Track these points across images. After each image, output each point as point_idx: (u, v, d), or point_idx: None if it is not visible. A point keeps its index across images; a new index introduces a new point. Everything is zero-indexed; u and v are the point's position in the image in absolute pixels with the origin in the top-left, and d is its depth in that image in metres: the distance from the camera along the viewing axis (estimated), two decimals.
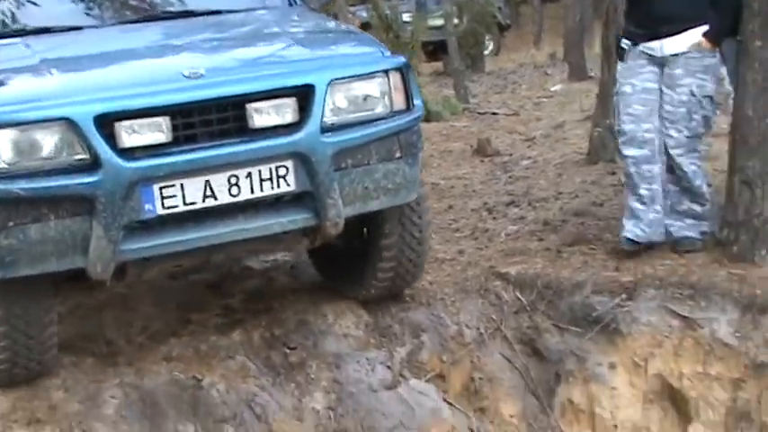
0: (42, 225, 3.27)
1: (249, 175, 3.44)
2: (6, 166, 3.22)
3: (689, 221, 4.69)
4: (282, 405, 3.93)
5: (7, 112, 3.24)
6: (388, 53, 3.84)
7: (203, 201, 3.40)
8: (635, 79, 4.68)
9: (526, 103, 10.72)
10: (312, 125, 3.49)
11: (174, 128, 3.35)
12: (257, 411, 3.85)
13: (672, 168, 4.68)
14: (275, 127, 3.49)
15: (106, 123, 3.26)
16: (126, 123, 3.29)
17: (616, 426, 4.34)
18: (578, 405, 4.39)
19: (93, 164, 3.25)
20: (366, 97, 3.67)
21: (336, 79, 3.57)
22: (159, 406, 3.78)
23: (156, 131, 3.33)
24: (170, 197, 3.36)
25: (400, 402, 4.05)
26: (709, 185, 4.76)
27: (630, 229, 4.70)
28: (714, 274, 4.42)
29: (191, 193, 3.38)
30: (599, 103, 6.84)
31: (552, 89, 11.55)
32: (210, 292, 4.65)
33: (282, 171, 3.49)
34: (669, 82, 4.61)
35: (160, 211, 3.36)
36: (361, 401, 4.01)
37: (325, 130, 3.53)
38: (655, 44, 4.61)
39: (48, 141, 3.25)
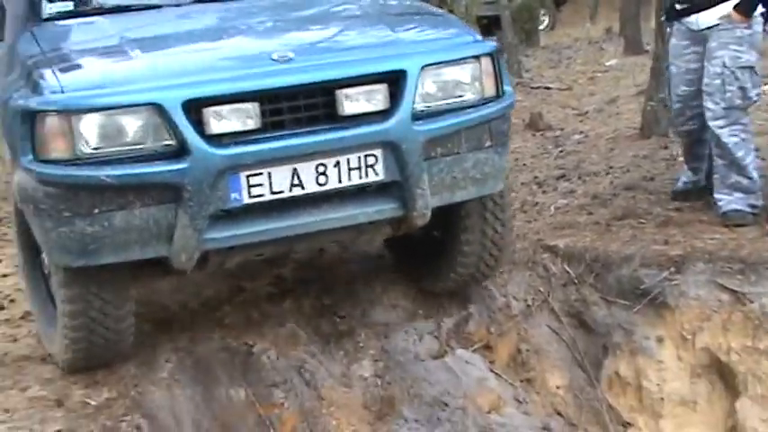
0: (127, 213, 3.19)
1: (337, 163, 3.33)
2: (91, 151, 3.14)
3: (737, 195, 4.69)
4: (331, 372, 4.01)
5: (93, 97, 3.17)
6: (479, 37, 3.70)
7: (290, 190, 3.31)
8: (679, 60, 4.87)
9: (580, 77, 10.64)
10: (403, 113, 3.37)
11: (263, 114, 3.25)
12: (306, 377, 3.94)
13: (717, 144, 4.71)
14: (365, 114, 3.36)
15: (194, 109, 3.17)
16: (215, 109, 3.19)
17: (663, 399, 4.35)
18: (625, 378, 4.41)
19: (181, 151, 3.16)
20: (457, 83, 3.54)
21: (429, 65, 3.44)
22: (212, 371, 3.89)
23: (245, 118, 3.22)
24: (257, 186, 3.27)
25: (446, 371, 4.11)
26: (761, 159, 4.74)
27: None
28: (764, 249, 4.40)
29: (278, 181, 3.28)
30: (652, 77, 6.78)
31: (607, 64, 11.43)
32: (262, 261, 4.73)
33: (371, 160, 3.38)
34: (707, 56, 4.70)
35: (246, 200, 3.27)
36: (408, 370, 4.07)
37: (416, 117, 3.41)
38: (692, 18, 4.74)
39: (133, 127, 3.16)
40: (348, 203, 3.42)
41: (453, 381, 4.08)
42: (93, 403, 3.54)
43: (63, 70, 3.31)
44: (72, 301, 3.46)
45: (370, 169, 3.38)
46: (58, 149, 3.15)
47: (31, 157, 3.18)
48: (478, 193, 3.68)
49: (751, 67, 4.64)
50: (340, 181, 3.35)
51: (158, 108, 3.14)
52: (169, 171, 3.15)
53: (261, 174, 3.26)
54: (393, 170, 3.40)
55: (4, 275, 4.98)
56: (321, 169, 3.32)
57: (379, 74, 3.38)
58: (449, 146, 3.51)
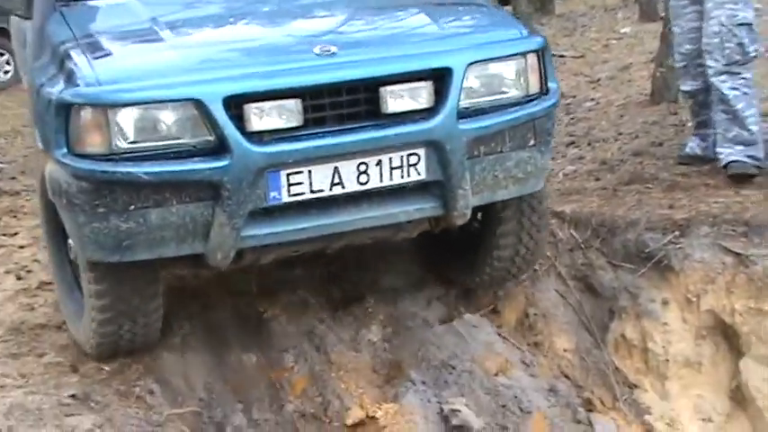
0: (164, 210, 3.12)
1: (379, 162, 3.24)
2: (128, 146, 3.06)
3: (738, 148, 4.82)
4: (340, 337, 4.09)
5: (131, 90, 3.07)
6: (526, 31, 3.61)
7: (330, 189, 3.23)
8: (681, 20, 5.00)
9: (594, 45, 10.60)
10: (448, 111, 3.27)
11: (305, 110, 3.15)
12: (316, 343, 4.03)
13: (719, 98, 4.83)
14: (409, 112, 3.26)
15: (235, 105, 3.08)
16: (256, 105, 3.10)
17: (668, 360, 4.39)
18: (631, 340, 4.46)
19: (221, 148, 3.08)
20: (502, 80, 3.45)
21: (475, 62, 3.34)
22: (223, 337, 3.99)
23: (287, 114, 3.13)
24: (297, 184, 3.19)
25: (455, 335, 4.17)
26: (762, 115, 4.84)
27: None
28: None
29: (318, 180, 3.20)
30: (662, 43, 6.78)
31: (622, 31, 11.37)
32: None
33: (414, 159, 3.29)
34: (705, 16, 4.81)
35: (286, 199, 3.19)
36: (416, 334, 4.14)
37: (461, 115, 3.31)
38: None
39: (171, 121, 3.08)
40: (388, 202, 3.35)
41: (461, 344, 4.14)
42: (107, 369, 3.67)
43: (98, 59, 3.23)
44: (101, 295, 3.45)
45: (412, 168, 3.30)
46: (93, 144, 3.08)
47: (65, 150, 3.12)
48: (519, 192, 3.61)
49: (748, 24, 4.74)
50: (381, 180, 3.27)
51: (198, 103, 3.05)
52: (209, 169, 3.07)
53: (301, 172, 3.18)
54: (435, 169, 3.32)
55: (21, 246, 5.10)
56: (362, 168, 3.24)
57: (424, 71, 3.28)
58: (492, 145, 3.44)
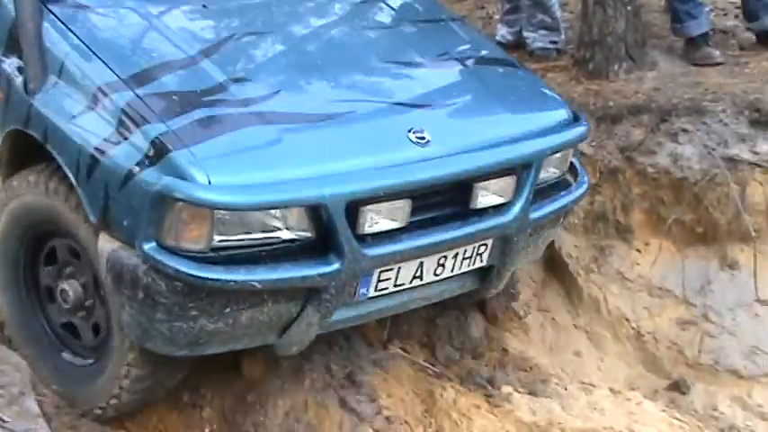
0: (256, 310, 2.88)
1: (456, 255, 3.16)
2: (225, 242, 2.75)
3: (542, 32, 5.13)
4: None
5: (250, 192, 2.69)
6: (570, 111, 3.51)
7: (410, 282, 3.12)
8: None
9: None
10: (523, 203, 3.18)
11: (412, 210, 2.96)
12: None
13: None
14: (490, 207, 3.17)
15: (352, 207, 2.82)
16: (373, 207, 2.86)
17: None
18: None
19: (333, 251, 2.83)
20: (557, 167, 3.44)
21: (549, 153, 3.27)
22: None
23: (398, 215, 2.92)
24: (385, 280, 3.04)
25: None
26: (569, 13, 5.15)
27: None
28: (572, 90, 4.76)
29: (403, 276, 3.07)
30: None
31: None
32: None
33: (482, 249, 3.23)
34: None
35: (371, 294, 3.05)
36: None
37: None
38: None
39: (279, 220, 2.80)
40: (444, 283, 3.30)
41: None
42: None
43: (199, 145, 2.75)
44: (141, 379, 3.14)
45: (478, 257, 3.25)
46: (190, 240, 2.72)
47: (154, 244, 2.71)
48: (532, 260, 3.69)
49: None
50: (452, 270, 3.20)
51: (319, 207, 2.78)
52: (320, 274, 2.82)
53: (392, 269, 3.03)
54: (495, 256, 3.29)
55: None
56: (441, 261, 3.14)
57: (512, 165, 3.15)
58: (539, 228, 3.45)
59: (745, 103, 4.48)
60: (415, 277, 3.11)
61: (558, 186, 3.49)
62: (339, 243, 2.81)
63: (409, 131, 3.01)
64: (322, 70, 3.28)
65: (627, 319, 4.36)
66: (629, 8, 4.83)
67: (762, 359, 4.19)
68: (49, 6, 3.21)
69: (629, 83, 4.79)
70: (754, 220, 4.32)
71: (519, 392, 3.55)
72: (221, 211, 2.69)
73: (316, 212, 2.79)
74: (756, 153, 4.37)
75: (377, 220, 2.88)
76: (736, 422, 4.01)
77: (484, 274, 3.38)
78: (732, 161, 4.34)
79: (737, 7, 5.50)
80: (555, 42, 5.16)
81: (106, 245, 2.88)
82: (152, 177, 2.71)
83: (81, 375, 3.35)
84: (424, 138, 3.00)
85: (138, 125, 2.82)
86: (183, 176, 2.66)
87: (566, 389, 3.69)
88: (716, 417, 4.02)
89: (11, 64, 3.28)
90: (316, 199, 2.75)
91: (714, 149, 4.35)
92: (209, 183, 2.66)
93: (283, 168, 2.77)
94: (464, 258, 3.20)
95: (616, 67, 4.82)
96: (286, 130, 2.89)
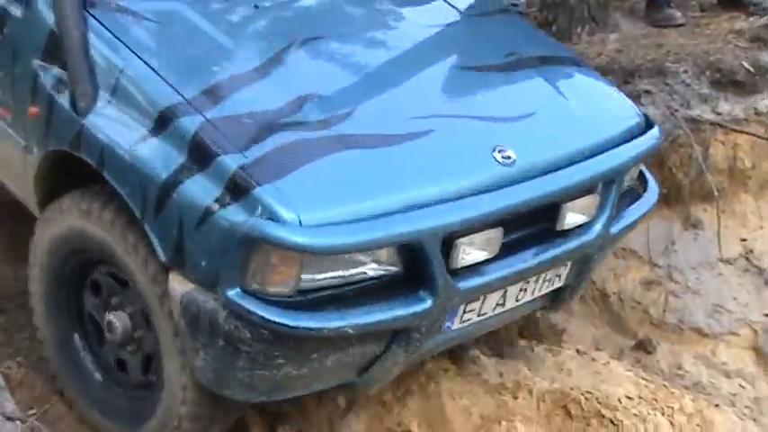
0: (342, 353, 2.64)
1: (538, 279, 2.95)
2: (311, 283, 2.50)
3: None
4: None
5: (346, 234, 2.42)
6: (640, 113, 3.28)
7: (493, 310, 2.90)
8: None
9: None
10: (605, 221, 2.97)
11: (504, 238, 2.73)
12: None
13: None
14: (574, 227, 2.94)
15: (446, 240, 2.58)
16: (467, 239, 2.61)
17: None
18: None
19: (424, 288, 2.59)
20: (631, 177, 3.22)
21: (632, 165, 3.07)
22: None
23: (490, 246, 2.68)
24: (470, 311, 2.82)
25: None
26: None
27: None
28: None
29: (488, 305, 2.85)
30: None
31: None
32: None
33: (562, 270, 3.03)
34: None
35: (456, 326, 2.83)
36: None
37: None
38: None
39: (369, 258, 2.56)
40: (520, 308, 3.07)
41: None
42: None
43: (285, 181, 2.46)
44: (196, 418, 2.89)
45: (557, 278, 3.05)
46: (277, 284, 2.47)
47: (239, 290, 2.44)
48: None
49: None
50: (533, 294, 2.99)
51: (414, 243, 2.53)
52: (413, 314, 2.59)
53: (477, 300, 2.80)
54: (572, 277, 3.10)
55: None
56: (524, 286, 2.93)
57: (598, 181, 2.93)
58: (614, 242, 3.26)
59: (706, 63, 4.52)
60: (498, 305, 2.90)
61: (630, 196, 3.26)
62: (433, 279, 2.57)
63: (494, 150, 2.75)
64: (395, 81, 3.00)
65: (592, 281, 4.38)
66: None
67: (725, 317, 4.25)
68: (92, 12, 2.87)
69: (592, 45, 4.79)
70: (716, 180, 4.37)
71: (486, 355, 3.55)
72: (317, 257, 2.45)
73: (407, 247, 2.55)
74: (718, 113, 4.42)
75: (469, 251, 2.64)
76: (702, 380, 4.05)
77: (557, 293, 3.17)
78: (694, 122, 4.38)
79: None
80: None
81: (178, 286, 2.58)
82: (236, 217, 2.42)
83: (131, 414, 3.10)
84: (509, 157, 2.75)
85: (212, 156, 2.49)
86: (269, 216, 2.38)
87: (532, 350, 3.70)
88: (681, 375, 4.07)
89: (50, 76, 2.95)
90: (411, 235, 2.50)
91: (677, 110, 4.37)
92: (300, 223, 2.38)
93: (372, 199, 2.50)
94: (545, 281, 3.00)
95: (579, 29, 4.83)
96: (369, 155, 2.61)
